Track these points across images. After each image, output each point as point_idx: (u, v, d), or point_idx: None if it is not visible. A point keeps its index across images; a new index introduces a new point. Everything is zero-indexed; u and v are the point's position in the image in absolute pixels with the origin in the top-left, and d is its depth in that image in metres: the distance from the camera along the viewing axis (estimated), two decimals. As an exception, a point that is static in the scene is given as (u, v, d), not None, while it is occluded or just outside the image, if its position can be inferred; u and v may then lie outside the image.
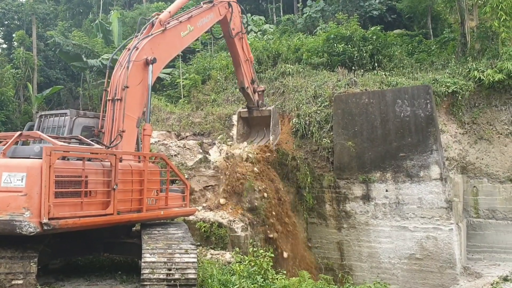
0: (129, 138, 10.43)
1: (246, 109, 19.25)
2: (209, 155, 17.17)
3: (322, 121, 20.17)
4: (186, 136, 20.41)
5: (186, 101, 26.32)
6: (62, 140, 8.89)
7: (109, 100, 10.67)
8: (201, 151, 17.18)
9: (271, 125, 18.67)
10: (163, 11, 12.81)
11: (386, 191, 17.88)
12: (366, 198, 18.16)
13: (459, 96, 20.31)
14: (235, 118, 21.34)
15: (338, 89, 21.02)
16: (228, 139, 19.75)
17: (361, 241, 18.18)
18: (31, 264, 7.88)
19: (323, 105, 20.69)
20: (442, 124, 20.07)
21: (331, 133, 19.53)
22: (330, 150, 19.09)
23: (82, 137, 9.52)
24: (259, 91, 18.75)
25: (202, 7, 14.55)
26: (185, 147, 17.09)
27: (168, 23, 12.37)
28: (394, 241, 17.56)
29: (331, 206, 18.72)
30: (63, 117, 10.87)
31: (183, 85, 27.76)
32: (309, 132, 20.14)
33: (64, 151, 8.06)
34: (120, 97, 10.43)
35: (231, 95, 24.65)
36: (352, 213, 18.36)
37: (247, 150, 17.16)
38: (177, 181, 12.01)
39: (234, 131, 20.71)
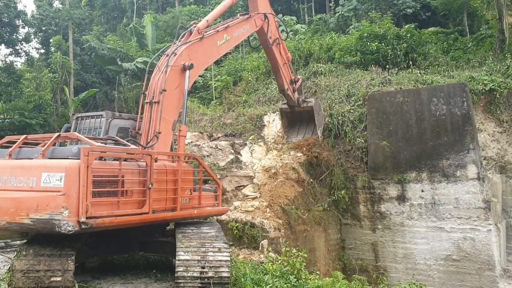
0: (165, 139, 10.61)
1: (286, 105, 19.34)
2: (241, 155, 17.24)
3: (356, 121, 19.96)
4: (218, 137, 20.54)
5: (218, 103, 26.55)
6: (98, 141, 9.05)
7: (147, 102, 10.90)
8: (232, 151, 17.27)
9: (315, 119, 19.05)
10: (200, 20, 13.04)
11: (422, 191, 17.56)
12: (401, 198, 17.86)
13: (497, 94, 19.75)
14: (266, 118, 21.35)
15: (372, 88, 20.79)
16: (259, 140, 19.78)
17: (396, 242, 17.90)
18: (69, 261, 8.04)
19: (356, 104, 20.49)
20: (479, 122, 19.59)
21: (365, 133, 19.31)
22: (364, 150, 18.86)
23: (118, 138, 9.66)
24: (298, 86, 18.75)
25: (238, 18, 14.83)
26: (217, 147, 17.22)
27: (206, 31, 12.64)
28: (430, 242, 17.22)
29: (365, 207, 18.49)
30: (99, 119, 11.09)
31: (215, 87, 28.02)
32: (342, 132, 19.95)
33: (101, 152, 8.18)
34: (158, 100, 10.65)
35: (262, 96, 24.70)
36: (387, 214, 18.09)
37: (288, 157, 17.11)
38: (209, 181, 12.10)
39: (265, 132, 20.73)
